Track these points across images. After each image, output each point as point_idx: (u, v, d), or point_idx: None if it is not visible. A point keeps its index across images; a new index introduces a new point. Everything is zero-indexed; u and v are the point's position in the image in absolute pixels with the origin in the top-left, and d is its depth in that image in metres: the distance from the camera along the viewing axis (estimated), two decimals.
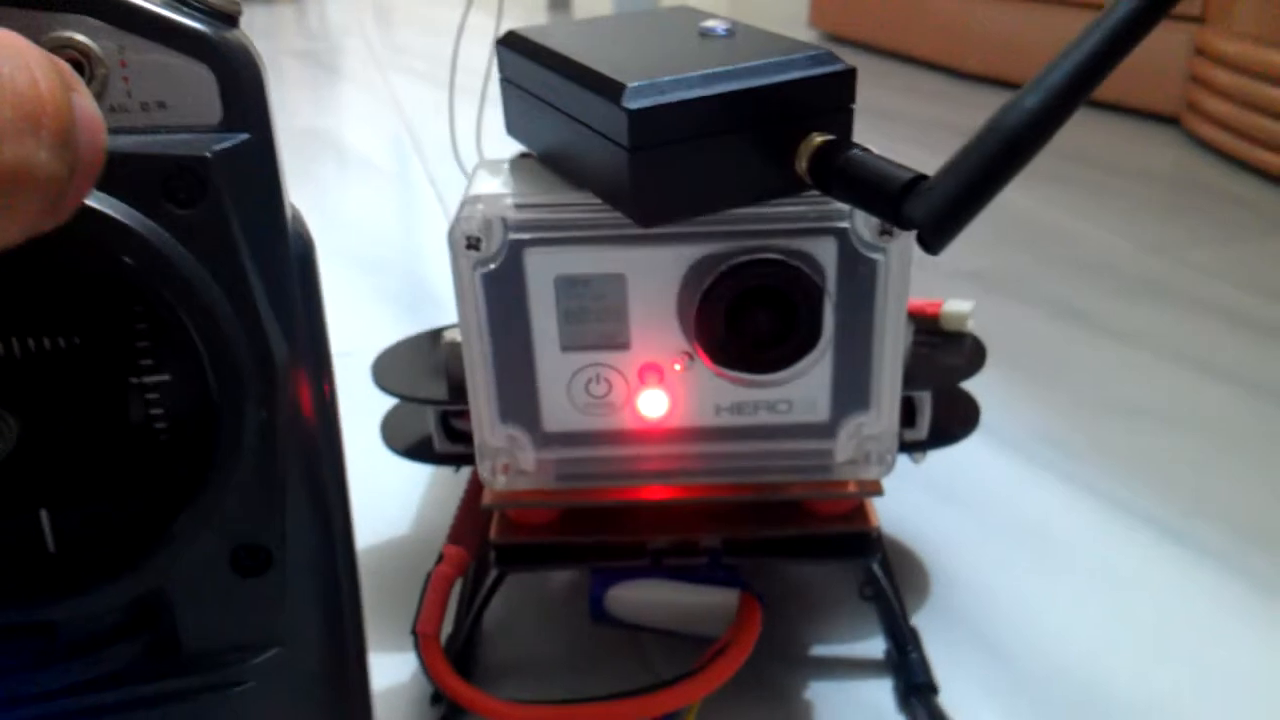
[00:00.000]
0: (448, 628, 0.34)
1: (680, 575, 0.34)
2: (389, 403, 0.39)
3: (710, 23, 0.29)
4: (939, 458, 0.39)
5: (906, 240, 0.29)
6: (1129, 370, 0.57)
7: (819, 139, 0.26)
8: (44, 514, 0.22)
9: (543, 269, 0.29)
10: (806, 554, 0.34)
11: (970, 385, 0.38)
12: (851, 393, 0.31)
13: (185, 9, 0.20)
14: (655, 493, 0.32)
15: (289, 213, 0.22)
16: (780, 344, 0.29)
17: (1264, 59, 0.88)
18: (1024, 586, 0.40)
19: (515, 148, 0.33)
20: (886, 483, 0.32)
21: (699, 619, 0.34)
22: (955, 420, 0.38)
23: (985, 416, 0.39)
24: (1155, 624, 0.38)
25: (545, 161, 0.31)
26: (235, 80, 0.20)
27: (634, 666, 0.36)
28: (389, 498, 0.45)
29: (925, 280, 0.30)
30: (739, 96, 0.25)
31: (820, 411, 0.31)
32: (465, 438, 0.37)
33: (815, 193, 0.27)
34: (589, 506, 0.33)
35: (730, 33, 0.29)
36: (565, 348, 0.30)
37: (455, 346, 0.36)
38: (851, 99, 0.27)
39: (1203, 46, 0.97)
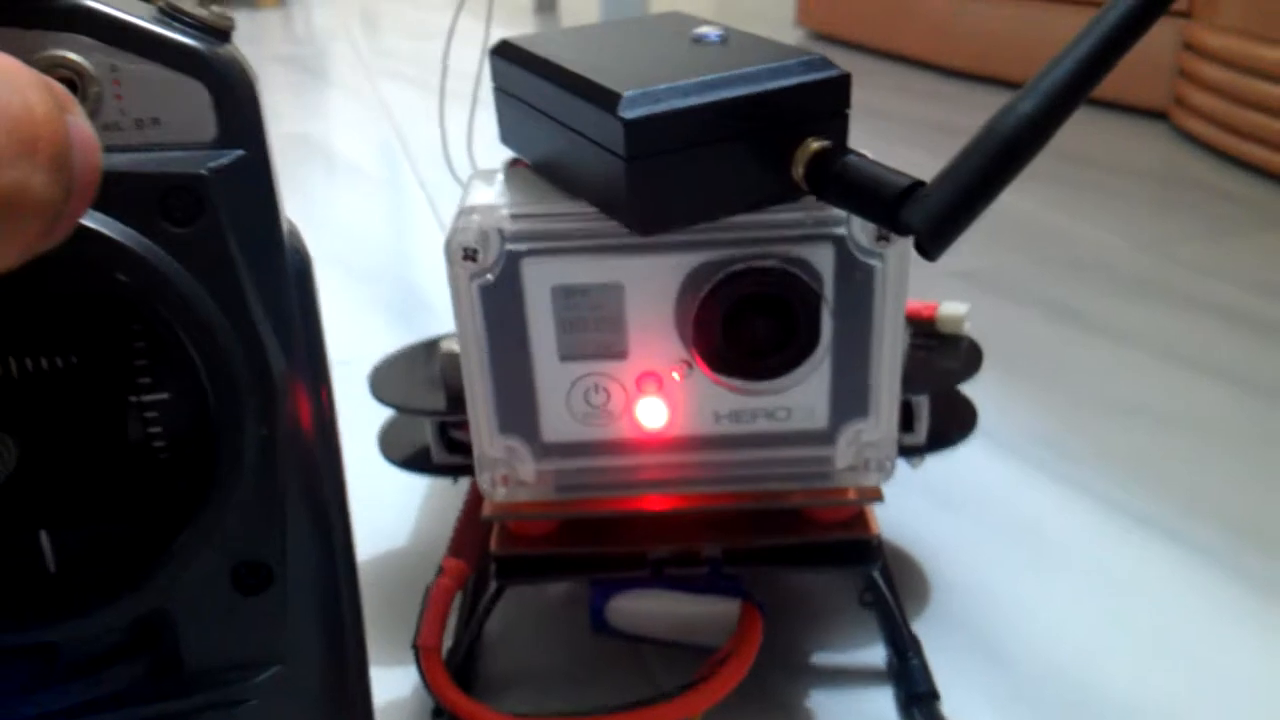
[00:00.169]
0: (448, 641, 0.34)
1: (681, 585, 0.34)
2: (385, 412, 0.39)
3: (703, 29, 0.29)
4: (936, 461, 0.39)
5: (904, 246, 0.29)
6: (1124, 370, 0.57)
7: (815, 145, 0.26)
8: (44, 534, 0.22)
9: (540, 279, 0.29)
10: (807, 562, 0.34)
11: (967, 387, 0.38)
12: (850, 399, 0.31)
13: (177, 25, 0.20)
14: (655, 502, 0.32)
15: (285, 227, 0.22)
16: (778, 351, 0.29)
17: (1251, 53, 0.88)
18: (1022, 589, 0.40)
19: (507, 154, 0.33)
20: (884, 488, 0.32)
21: (700, 629, 0.34)
22: (953, 424, 0.38)
23: (982, 419, 0.39)
24: (1153, 626, 0.38)
25: (540, 170, 0.31)
26: (229, 96, 0.20)
27: (635, 678, 0.36)
28: (387, 509, 0.45)
29: (918, 281, 0.30)
30: (734, 104, 0.25)
31: (819, 418, 0.31)
32: (463, 448, 0.36)
33: (812, 199, 0.27)
34: (589, 517, 0.33)
35: (723, 39, 0.29)
36: (564, 357, 0.30)
37: (453, 357, 0.36)
38: (847, 104, 0.27)
39: (1190, 41, 0.97)
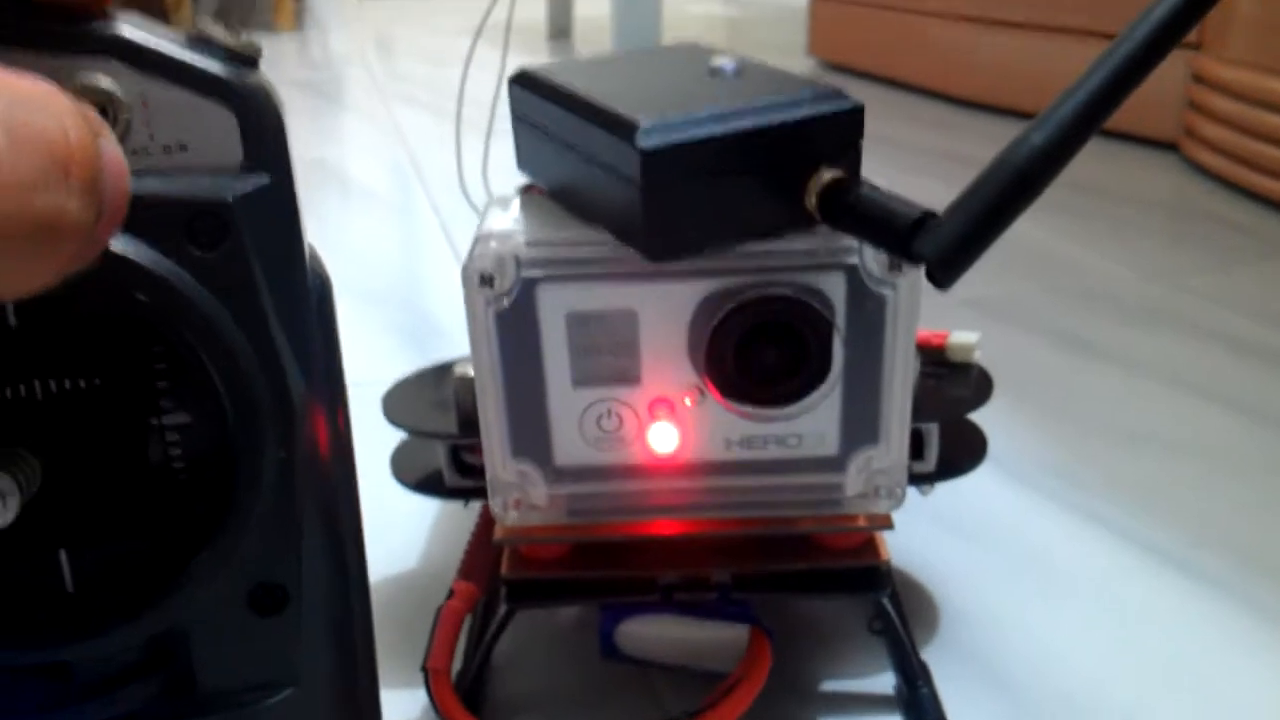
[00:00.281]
0: (457, 663, 0.34)
1: (690, 610, 0.34)
2: (397, 435, 0.39)
3: (719, 60, 0.30)
4: (945, 489, 0.39)
5: (915, 275, 0.29)
6: (1134, 399, 0.57)
7: (828, 175, 0.26)
8: (63, 554, 0.22)
9: (555, 305, 0.29)
10: (816, 588, 0.34)
11: (977, 416, 0.39)
12: (861, 427, 0.31)
13: (206, 52, 0.20)
14: (666, 527, 0.32)
15: (307, 252, 0.22)
16: (790, 378, 0.29)
17: (1261, 85, 0.89)
18: (1031, 618, 0.40)
19: (520, 180, 0.33)
20: (894, 515, 0.32)
21: (709, 654, 0.34)
22: (963, 452, 0.38)
23: (991, 447, 0.39)
24: (1163, 656, 0.38)
25: (556, 197, 0.31)
26: (256, 122, 0.20)
27: (644, 703, 0.36)
28: (398, 532, 0.45)
29: (929, 309, 0.30)
30: (749, 134, 0.26)
31: (830, 445, 0.31)
32: (475, 472, 0.37)
33: (825, 228, 0.27)
34: (600, 541, 0.33)
35: (739, 71, 0.29)
36: (577, 383, 0.30)
37: (466, 381, 0.36)
38: (860, 135, 0.27)
39: (1200, 73, 0.98)
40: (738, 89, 0.27)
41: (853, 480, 0.31)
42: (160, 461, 0.22)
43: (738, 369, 0.29)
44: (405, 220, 0.93)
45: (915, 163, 1.04)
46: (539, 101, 0.30)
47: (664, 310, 0.29)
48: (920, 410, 0.36)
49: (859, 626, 0.39)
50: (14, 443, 0.21)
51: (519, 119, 0.32)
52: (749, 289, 0.29)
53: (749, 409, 0.30)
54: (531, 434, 0.31)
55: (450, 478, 0.37)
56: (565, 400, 0.30)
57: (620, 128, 0.26)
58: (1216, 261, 0.77)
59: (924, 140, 1.13)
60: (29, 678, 0.22)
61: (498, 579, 0.34)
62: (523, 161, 0.33)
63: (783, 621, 0.39)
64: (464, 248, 0.29)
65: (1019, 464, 0.50)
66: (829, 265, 0.29)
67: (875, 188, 0.25)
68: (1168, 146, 1.04)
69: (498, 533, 0.33)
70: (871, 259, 0.29)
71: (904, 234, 0.23)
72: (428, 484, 0.38)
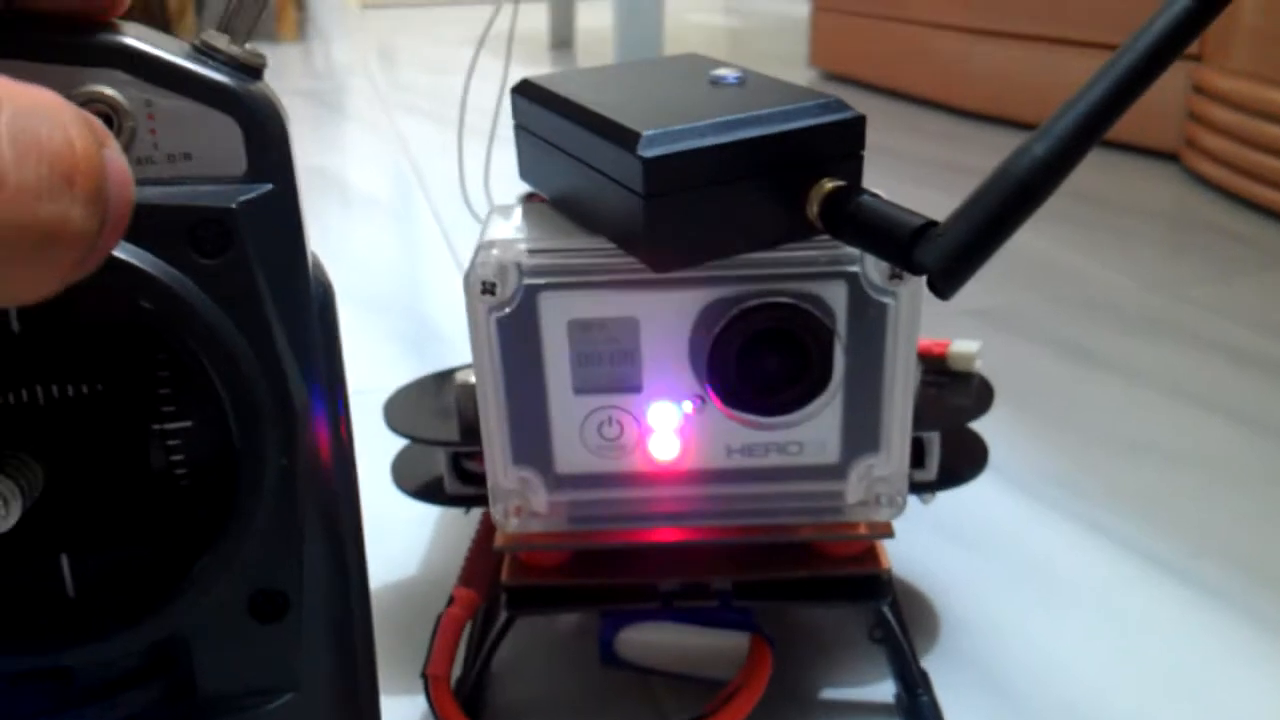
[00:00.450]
0: (457, 670, 0.34)
1: (691, 618, 0.34)
2: (398, 442, 0.39)
3: (721, 71, 0.30)
4: (946, 497, 0.39)
5: (916, 284, 0.29)
6: (1135, 409, 0.57)
7: (830, 185, 0.26)
8: (64, 559, 0.22)
9: (556, 312, 0.29)
10: (817, 596, 0.34)
11: (978, 425, 0.39)
12: (862, 435, 0.31)
13: (211, 62, 0.20)
14: (667, 535, 0.32)
15: (310, 260, 0.22)
16: (791, 386, 0.29)
17: (1262, 96, 0.89)
18: (1032, 627, 0.40)
19: (521, 189, 0.33)
20: (894, 524, 0.32)
21: (709, 662, 0.34)
22: (964, 461, 0.39)
23: (992, 456, 0.39)
24: (1163, 666, 0.38)
25: (558, 206, 0.31)
26: (260, 132, 0.20)
27: (644, 710, 0.36)
28: (399, 539, 0.45)
29: (930, 319, 0.30)
30: (751, 144, 0.26)
31: (831, 453, 0.31)
32: (476, 479, 0.37)
33: (826, 237, 0.27)
34: (600, 549, 0.33)
35: (741, 81, 0.29)
36: (578, 390, 0.30)
37: (468, 388, 0.36)
38: (861, 145, 0.27)
39: (1201, 84, 0.98)
40: (739, 99, 0.28)
41: (854, 488, 0.31)
42: (162, 467, 0.22)
43: (739, 377, 0.29)
44: (407, 228, 0.93)
45: (917, 173, 1.04)
46: (541, 111, 0.30)
47: (665, 318, 0.29)
48: (921, 419, 0.36)
49: (859, 634, 0.39)
50: (16, 447, 0.21)
51: (521, 128, 0.32)
52: (750, 297, 0.29)
53: (750, 417, 0.30)
54: (532, 441, 0.31)
55: (451, 485, 0.37)
56: (566, 408, 0.30)
57: (622, 137, 0.26)
58: (1217, 272, 0.77)
59: (926, 151, 1.13)
60: (30, 682, 0.22)
61: (498, 586, 0.34)
62: (525, 171, 0.33)
63: (783, 629, 0.39)
64: (466, 256, 0.29)
65: (1020, 473, 0.50)
66: (830, 274, 0.29)
67: (877, 197, 0.25)
68: (1169, 157, 1.05)
69: (498, 540, 0.33)
70: (873, 267, 0.29)
71: (905, 243, 0.23)
72: (428, 491, 0.38)
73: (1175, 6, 0.21)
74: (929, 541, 0.44)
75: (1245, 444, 0.53)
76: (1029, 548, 0.45)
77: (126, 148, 0.20)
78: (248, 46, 0.20)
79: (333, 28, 2.47)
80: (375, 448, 0.38)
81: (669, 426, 0.31)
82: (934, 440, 0.37)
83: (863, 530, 0.33)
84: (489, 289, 0.29)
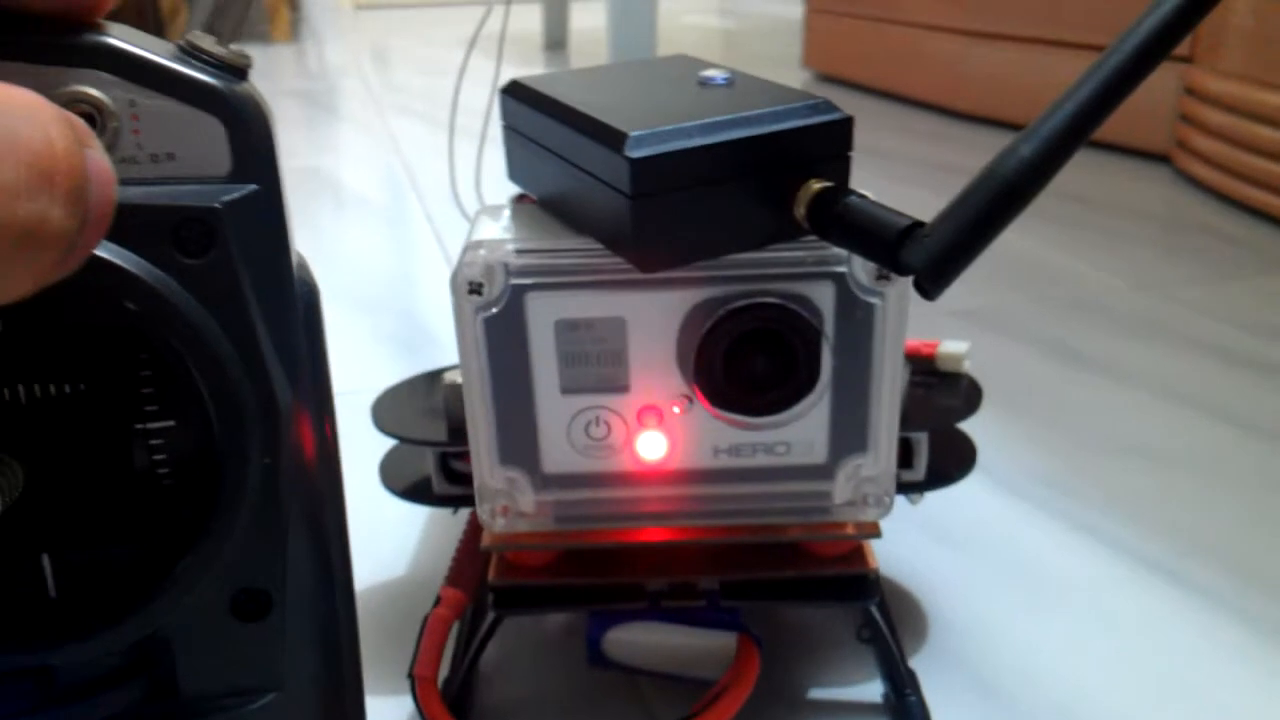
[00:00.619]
0: (444, 670, 0.34)
1: (678, 618, 0.34)
2: (386, 443, 0.39)
3: (710, 72, 0.30)
4: (935, 498, 0.39)
5: (903, 285, 0.29)
6: (1125, 409, 0.57)
7: (817, 186, 0.26)
8: (46, 558, 0.22)
9: (544, 313, 0.29)
10: (805, 596, 0.34)
11: (966, 425, 0.39)
12: (849, 435, 0.31)
13: (196, 62, 0.20)
14: (654, 535, 0.32)
15: (295, 260, 0.22)
16: (779, 387, 0.29)
17: (1252, 98, 0.89)
18: (1020, 627, 0.40)
19: (512, 190, 0.33)
20: (882, 523, 0.32)
21: (697, 662, 0.34)
22: (952, 461, 0.39)
23: (981, 456, 0.39)
24: (1152, 666, 0.38)
25: (546, 207, 0.31)
26: (245, 132, 0.20)
27: (632, 710, 0.36)
28: (386, 539, 0.45)
29: (919, 319, 0.30)
30: (739, 145, 0.26)
31: (818, 453, 0.31)
32: (464, 479, 0.37)
33: (813, 238, 0.27)
34: (587, 548, 0.33)
35: (730, 82, 0.29)
36: (565, 390, 0.30)
37: (455, 388, 0.36)
38: (849, 146, 0.27)
39: (1192, 86, 0.98)
40: (727, 100, 0.28)
41: (841, 488, 0.31)
42: (145, 467, 0.22)
43: (726, 377, 0.29)
44: (399, 229, 0.93)
45: (909, 174, 1.04)
46: (530, 112, 0.30)
47: (653, 318, 0.29)
48: (909, 419, 0.36)
49: (847, 634, 0.39)
50: None
51: (510, 129, 0.32)
52: (738, 297, 0.29)
53: (737, 417, 0.30)
54: (520, 441, 0.31)
55: (439, 485, 0.37)
56: (554, 408, 0.30)
57: (610, 138, 0.26)
58: (1208, 273, 0.77)
59: (918, 152, 1.14)
60: (10, 681, 0.22)
61: (485, 586, 0.34)
62: (513, 171, 0.33)
63: (771, 629, 0.39)
64: (456, 256, 0.29)
65: (1008, 473, 0.50)
66: (818, 274, 0.29)
67: (864, 198, 0.25)
68: (1159, 158, 1.05)
69: (485, 540, 0.33)
70: (860, 268, 0.29)
71: (891, 244, 0.23)
72: (416, 491, 0.38)
73: (1163, 7, 0.21)
74: (917, 542, 0.45)
75: (1235, 445, 0.53)
76: (1017, 548, 0.45)
77: (110, 148, 0.20)
78: (233, 47, 0.20)
79: (326, 29, 2.47)
80: (364, 448, 0.38)
81: (656, 427, 0.31)
82: (922, 440, 0.37)
83: (850, 530, 0.33)
84: (476, 289, 0.29)
